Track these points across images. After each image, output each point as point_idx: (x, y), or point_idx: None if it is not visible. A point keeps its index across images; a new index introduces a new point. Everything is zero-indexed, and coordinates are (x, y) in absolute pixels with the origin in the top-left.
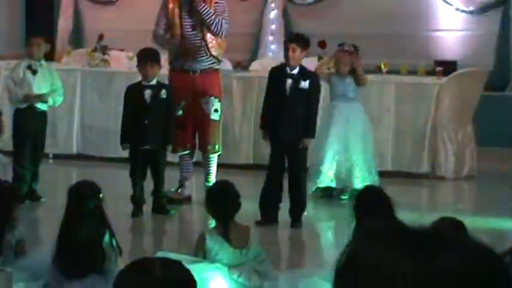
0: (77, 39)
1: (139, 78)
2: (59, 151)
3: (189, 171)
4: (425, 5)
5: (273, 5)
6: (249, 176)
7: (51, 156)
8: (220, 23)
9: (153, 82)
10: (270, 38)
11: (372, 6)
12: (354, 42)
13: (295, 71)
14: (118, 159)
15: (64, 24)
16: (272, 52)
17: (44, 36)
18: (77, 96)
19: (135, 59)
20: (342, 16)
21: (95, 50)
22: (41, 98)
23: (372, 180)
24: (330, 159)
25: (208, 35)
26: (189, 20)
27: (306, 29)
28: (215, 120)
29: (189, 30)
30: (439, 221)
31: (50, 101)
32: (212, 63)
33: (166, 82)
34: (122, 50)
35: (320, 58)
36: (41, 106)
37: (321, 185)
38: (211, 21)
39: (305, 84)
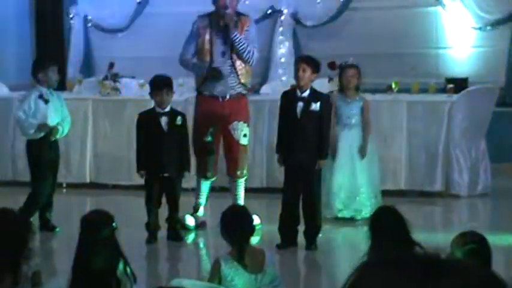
0: (87, 67)
1: (150, 105)
2: (72, 180)
3: (206, 197)
4: (435, 22)
5: (281, 28)
6: (263, 199)
7: (64, 185)
8: (252, 52)
9: (167, 109)
10: (280, 60)
11: (381, 26)
12: (364, 62)
13: (306, 94)
14: (131, 187)
15: (74, 53)
16: (282, 75)
17: (56, 64)
18: (89, 125)
19: (147, 86)
20: (351, 36)
21: (105, 78)
22: (57, 130)
23: (378, 203)
24: (337, 189)
25: (238, 62)
26: (220, 47)
27: (315, 50)
28: (244, 145)
29: (219, 56)
30: (459, 236)
31: (60, 130)
32: (241, 89)
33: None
34: (133, 77)
35: (330, 79)
36: (54, 136)
37: (329, 216)
38: (243, 50)
39: (316, 106)
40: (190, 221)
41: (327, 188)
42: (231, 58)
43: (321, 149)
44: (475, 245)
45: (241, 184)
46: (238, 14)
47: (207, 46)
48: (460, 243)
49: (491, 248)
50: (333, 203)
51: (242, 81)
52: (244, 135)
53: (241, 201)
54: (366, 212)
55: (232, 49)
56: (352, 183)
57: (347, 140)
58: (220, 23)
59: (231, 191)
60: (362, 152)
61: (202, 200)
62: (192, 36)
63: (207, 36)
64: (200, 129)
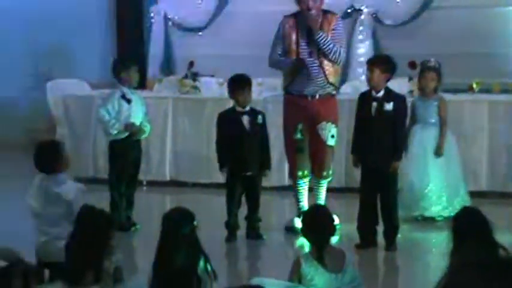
0: (167, 66)
1: (229, 104)
2: (152, 178)
3: (304, 197)
4: None
5: (361, 27)
6: (342, 199)
7: (144, 183)
8: (338, 52)
9: (247, 108)
10: (359, 59)
11: (463, 25)
12: (444, 62)
13: (380, 94)
14: (210, 185)
15: (154, 51)
16: (361, 74)
17: (137, 64)
18: (169, 123)
19: (226, 85)
20: (432, 36)
21: (185, 77)
22: (143, 130)
23: (462, 202)
24: (407, 187)
25: (326, 62)
26: (306, 47)
27: (395, 50)
28: (331, 146)
29: (306, 56)
30: None
31: (147, 130)
32: (330, 89)
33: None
34: (212, 76)
35: (410, 79)
36: (140, 136)
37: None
38: (329, 50)
39: (389, 106)
40: (299, 224)
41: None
42: (318, 58)
43: (395, 150)
44: None
45: (324, 185)
46: (325, 12)
47: (293, 46)
48: None
49: None
50: (402, 200)
51: (330, 80)
52: (332, 136)
53: (321, 202)
54: (436, 211)
55: (319, 49)
56: (422, 181)
57: (421, 138)
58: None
59: (313, 191)
60: (438, 151)
61: (303, 202)
62: (279, 37)
63: (294, 37)
64: (289, 128)
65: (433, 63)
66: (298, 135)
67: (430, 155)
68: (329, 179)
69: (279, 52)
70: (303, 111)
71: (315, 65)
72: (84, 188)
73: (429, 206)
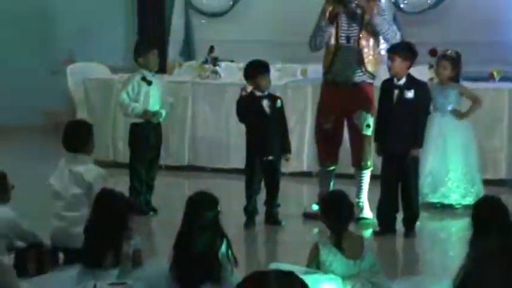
0: (188, 51)
1: (249, 89)
2: (171, 162)
3: (328, 186)
4: None
5: None
6: None
7: (163, 167)
8: (392, 31)
9: (266, 93)
10: (381, 46)
11: (484, 13)
12: (466, 50)
13: (402, 81)
14: (228, 170)
15: (175, 36)
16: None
17: (156, 48)
18: (188, 108)
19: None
20: (452, 23)
21: (205, 61)
22: (158, 114)
23: (478, 191)
24: (426, 174)
25: (366, 50)
26: (346, 31)
27: (416, 37)
28: (367, 136)
29: (344, 41)
30: None
31: (164, 113)
32: (365, 76)
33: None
34: (232, 61)
35: (431, 66)
36: (156, 120)
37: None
38: (384, 32)
39: (410, 94)
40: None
41: None
42: (359, 45)
43: (415, 137)
44: None
45: (365, 175)
46: None
47: (333, 29)
48: None
49: None
50: (421, 188)
51: (368, 69)
52: (368, 126)
53: (363, 193)
54: (456, 198)
55: (360, 34)
56: (442, 168)
57: (440, 126)
58: (350, 7)
59: (356, 182)
60: (458, 115)
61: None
62: (320, 17)
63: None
64: (321, 117)
65: (448, 53)
66: (327, 126)
67: (449, 143)
68: (369, 169)
69: (328, 32)
70: (337, 101)
71: (353, 51)
72: (105, 175)
73: (449, 193)
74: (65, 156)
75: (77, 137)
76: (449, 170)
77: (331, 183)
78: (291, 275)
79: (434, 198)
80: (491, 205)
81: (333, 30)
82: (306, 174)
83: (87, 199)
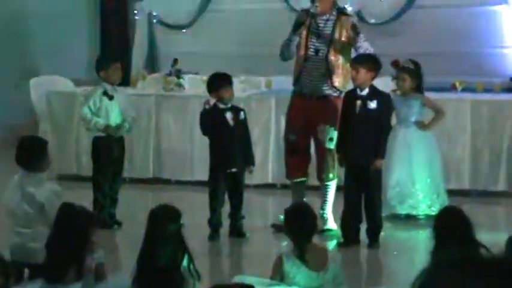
0: (151, 63)
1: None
2: (135, 175)
3: (300, 198)
4: (499, 21)
5: None
6: None
7: (127, 180)
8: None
9: (229, 105)
10: None
11: (446, 24)
12: (428, 61)
13: (365, 92)
14: (193, 182)
15: (139, 48)
16: None
17: (119, 61)
18: (152, 120)
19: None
20: (415, 34)
21: (169, 74)
22: (120, 128)
23: (442, 202)
24: (393, 185)
25: (334, 64)
26: (315, 43)
27: (378, 48)
28: (330, 149)
29: (313, 53)
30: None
31: (126, 127)
32: (331, 91)
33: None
34: (196, 73)
35: (394, 78)
36: (119, 133)
37: (385, 214)
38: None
39: (373, 104)
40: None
41: (383, 186)
42: (327, 59)
43: (377, 148)
44: None
45: (329, 188)
46: (340, 12)
47: (303, 41)
48: None
49: None
50: (389, 199)
51: (335, 84)
52: (331, 139)
53: (327, 205)
54: (423, 209)
55: (329, 49)
56: (408, 180)
57: (405, 137)
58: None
59: (321, 193)
60: (422, 126)
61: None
62: (293, 28)
63: (304, 31)
64: (287, 128)
65: (405, 64)
66: (293, 137)
67: (414, 154)
68: (331, 181)
69: (295, 42)
70: (302, 112)
71: (320, 63)
72: (60, 193)
73: (417, 204)
74: (18, 173)
75: (31, 155)
76: (416, 181)
77: (302, 195)
78: (251, 287)
79: (402, 210)
80: (453, 216)
81: (301, 41)
82: (271, 186)
83: (41, 217)
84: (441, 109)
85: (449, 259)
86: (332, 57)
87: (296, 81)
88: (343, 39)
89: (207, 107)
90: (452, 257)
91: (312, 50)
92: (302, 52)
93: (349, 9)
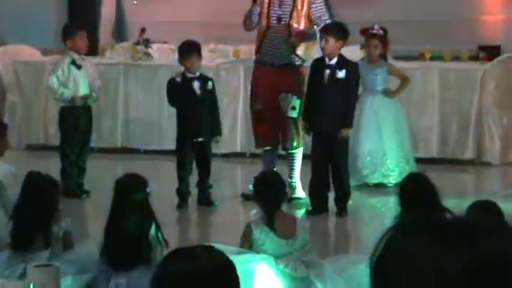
0: (120, 33)
1: (181, 70)
2: (103, 144)
3: (272, 166)
4: None
5: None
6: None
7: (96, 149)
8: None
9: (197, 74)
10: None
11: None
12: (397, 29)
13: (333, 61)
14: (162, 152)
15: (107, 18)
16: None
17: (85, 30)
18: (120, 90)
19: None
20: (384, 3)
21: (137, 43)
22: (87, 98)
23: (411, 169)
24: (364, 155)
25: (296, 32)
26: (277, 11)
27: (348, 17)
28: (292, 118)
29: (275, 22)
30: (473, 205)
31: (94, 97)
32: (294, 59)
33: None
34: (165, 42)
35: (362, 47)
36: (87, 103)
37: (358, 183)
38: (314, 38)
39: (342, 73)
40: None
41: (354, 155)
42: (289, 27)
43: (345, 118)
44: (491, 211)
45: (296, 156)
46: None
47: (264, 10)
48: (476, 211)
49: (503, 216)
50: (360, 169)
51: (298, 52)
52: (293, 108)
53: (295, 173)
54: (394, 177)
55: (291, 15)
56: (378, 149)
57: (372, 106)
58: None
59: (287, 162)
60: (388, 93)
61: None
62: None
63: (267, 0)
64: (252, 97)
65: (376, 30)
66: (259, 106)
67: (382, 123)
68: (296, 149)
69: (255, 12)
70: (265, 82)
71: (282, 32)
72: (15, 172)
73: (388, 173)
74: None
75: None
76: (386, 150)
77: (273, 164)
78: (214, 249)
79: (374, 179)
80: (416, 182)
81: (263, 10)
82: (240, 155)
83: None
84: (407, 76)
85: (407, 222)
86: (294, 25)
87: (257, 51)
88: (304, 7)
89: (178, 79)
90: (414, 221)
91: (273, 18)
92: (264, 21)
93: None
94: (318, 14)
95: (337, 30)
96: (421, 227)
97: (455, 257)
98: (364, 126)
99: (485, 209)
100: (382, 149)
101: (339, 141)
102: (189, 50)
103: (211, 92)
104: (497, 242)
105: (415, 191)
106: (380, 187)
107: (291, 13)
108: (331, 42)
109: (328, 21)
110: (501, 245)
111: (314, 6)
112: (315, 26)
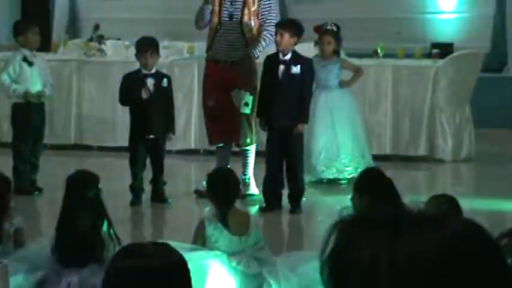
0: (73, 29)
1: (136, 67)
2: (56, 141)
3: (225, 163)
4: None
5: None
6: None
7: (49, 146)
8: (267, 40)
9: (153, 71)
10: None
11: None
12: (350, 26)
13: (288, 57)
14: (115, 148)
15: (60, 14)
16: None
17: (37, 26)
18: (73, 86)
19: (132, 48)
20: (338, 0)
21: (91, 39)
22: (40, 95)
23: (367, 163)
24: (319, 151)
25: (248, 28)
26: (228, 9)
27: (301, 14)
28: (245, 114)
29: (227, 19)
30: (431, 199)
31: (46, 94)
32: (245, 55)
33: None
34: (119, 39)
35: (316, 43)
36: (39, 100)
37: (313, 179)
38: (266, 45)
39: (296, 69)
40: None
41: (308, 151)
42: (241, 23)
43: (300, 113)
44: (449, 205)
45: (249, 152)
46: None
47: (216, 8)
48: (435, 204)
49: (461, 209)
50: (315, 165)
51: (251, 47)
52: (246, 104)
53: (248, 169)
54: (349, 172)
55: (242, 12)
56: (333, 144)
57: (326, 102)
58: None
59: (241, 158)
60: (344, 83)
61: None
62: None
63: None
64: (204, 94)
65: (329, 27)
66: (211, 103)
67: (336, 119)
68: (249, 146)
69: (207, 11)
70: (217, 78)
71: (234, 28)
72: None
73: (343, 168)
74: None
75: None
76: (340, 146)
77: (227, 160)
78: (165, 244)
79: (329, 175)
80: (371, 176)
81: (215, 8)
82: (193, 152)
83: None
84: (360, 67)
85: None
86: (246, 21)
87: (209, 48)
88: (255, 5)
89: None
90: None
91: (225, 15)
92: (216, 19)
93: None
94: (264, 13)
95: (293, 26)
96: (358, 221)
97: (405, 250)
98: (318, 122)
99: (443, 203)
100: (337, 144)
101: (294, 136)
102: (144, 46)
103: (166, 89)
104: (448, 236)
105: (369, 184)
106: (334, 183)
107: (242, 10)
108: (286, 37)
109: (274, 21)
110: (453, 238)
111: (261, 4)
112: (262, 27)
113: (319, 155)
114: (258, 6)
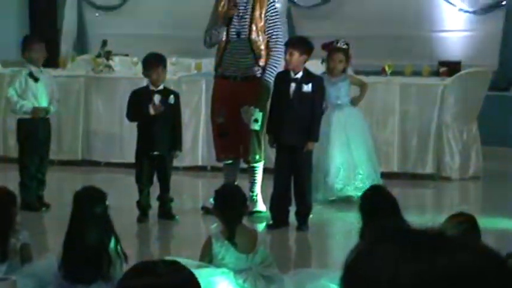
0: (81, 45)
1: (143, 83)
2: (64, 157)
3: (233, 180)
4: (429, 5)
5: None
6: None
7: (56, 162)
8: (279, 52)
9: (161, 87)
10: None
11: (376, 8)
12: (358, 44)
13: (299, 75)
14: (122, 164)
15: (68, 29)
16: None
17: (44, 41)
18: (81, 102)
19: (140, 64)
20: (345, 18)
21: (99, 55)
22: (47, 110)
23: (377, 179)
24: (336, 169)
25: (257, 44)
26: (236, 26)
27: (309, 31)
28: (255, 131)
29: (235, 36)
30: (452, 217)
31: (52, 110)
32: (255, 71)
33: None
34: (127, 55)
35: (323, 61)
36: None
37: (331, 198)
38: (278, 64)
39: (308, 87)
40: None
41: (325, 171)
42: (249, 39)
43: (311, 131)
44: (468, 225)
45: (257, 169)
46: None
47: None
48: (454, 223)
49: (479, 228)
50: (333, 183)
51: (260, 63)
52: (255, 121)
53: (256, 187)
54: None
55: (250, 29)
56: (350, 162)
57: (339, 120)
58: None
59: (248, 175)
60: (354, 100)
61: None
62: (213, 12)
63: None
64: (213, 111)
65: (340, 44)
66: (220, 119)
67: (350, 137)
68: (258, 163)
69: (224, 33)
70: (226, 95)
71: (243, 45)
72: None
73: (361, 185)
74: None
75: None
76: (357, 163)
77: (235, 177)
78: (176, 262)
79: (348, 192)
80: (375, 193)
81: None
82: (201, 169)
83: None
84: (364, 82)
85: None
86: (254, 37)
87: (218, 66)
88: (262, 21)
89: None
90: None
91: (233, 33)
92: (224, 37)
93: None
94: (270, 31)
95: (302, 44)
96: (386, 238)
97: (416, 269)
98: (333, 140)
99: (461, 223)
100: (353, 161)
101: (304, 154)
102: (152, 62)
103: (173, 106)
104: (456, 258)
105: (375, 204)
106: (343, 200)
107: (250, 27)
108: (296, 56)
109: (280, 38)
110: (460, 261)
111: (268, 21)
112: (269, 43)
113: (337, 173)
114: (265, 21)
